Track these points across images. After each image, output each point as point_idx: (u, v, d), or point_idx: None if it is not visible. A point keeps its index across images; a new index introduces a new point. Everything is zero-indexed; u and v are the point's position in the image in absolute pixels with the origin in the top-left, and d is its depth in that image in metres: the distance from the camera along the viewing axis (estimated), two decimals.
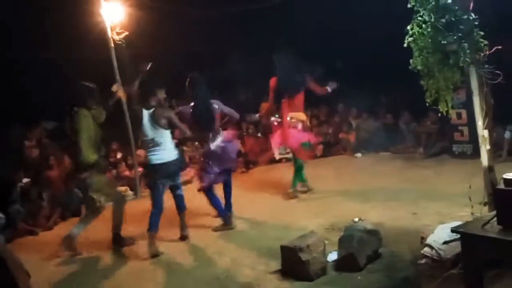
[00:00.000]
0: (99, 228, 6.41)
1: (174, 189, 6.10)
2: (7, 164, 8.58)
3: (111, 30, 9.05)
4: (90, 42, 10.13)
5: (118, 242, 6.11)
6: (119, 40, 9.12)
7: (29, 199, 7.81)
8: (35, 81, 11.55)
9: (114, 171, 9.63)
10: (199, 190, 6.50)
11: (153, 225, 5.76)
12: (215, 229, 6.29)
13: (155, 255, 5.53)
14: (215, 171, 6.30)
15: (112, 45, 9.12)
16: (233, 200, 6.70)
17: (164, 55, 11.58)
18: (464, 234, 3.45)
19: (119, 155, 10.06)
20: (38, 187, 8.16)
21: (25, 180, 8.29)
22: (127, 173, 9.46)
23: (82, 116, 5.99)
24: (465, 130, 8.57)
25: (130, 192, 9.14)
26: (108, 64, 9.28)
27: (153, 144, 5.83)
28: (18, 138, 10.20)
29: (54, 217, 7.78)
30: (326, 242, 4.60)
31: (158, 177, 5.85)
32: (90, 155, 5.94)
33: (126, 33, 9.16)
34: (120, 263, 5.52)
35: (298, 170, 7.45)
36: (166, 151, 5.86)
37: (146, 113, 5.86)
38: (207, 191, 6.39)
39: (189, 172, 9.42)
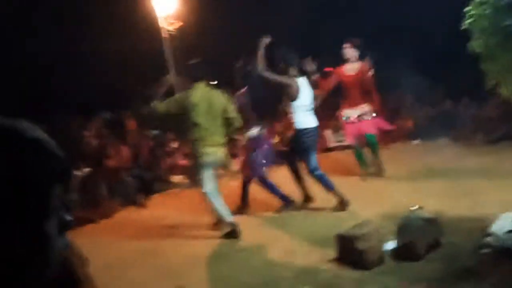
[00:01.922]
0: None
1: None
2: (67, 155, 8.85)
3: (164, 21, 9.16)
4: (144, 33, 10.30)
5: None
6: (172, 31, 9.23)
7: (89, 188, 8.03)
8: (91, 72, 11.86)
9: (170, 160, 9.79)
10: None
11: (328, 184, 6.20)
12: (278, 211, 6.41)
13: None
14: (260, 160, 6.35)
15: (165, 36, 9.22)
16: (287, 187, 6.67)
17: (218, 45, 11.66)
18: None
19: (174, 144, 10.21)
20: (98, 177, 8.38)
21: (85, 169, 8.55)
22: (182, 162, 9.58)
23: None
24: None
25: (185, 181, 9.29)
26: (161, 54, 9.42)
27: (311, 109, 6.26)
28: (78, 128, 10.51)
29: (113, 205, 7.98)
30: (383, 230, 4.52)
31: (312, 140, 6.28)
32: None
33: (180, 23, 9.25)
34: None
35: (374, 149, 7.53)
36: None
37: (303, 80, 6.20)
38: (260, 180, 6.44)
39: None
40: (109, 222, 7.52)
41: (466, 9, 4.26)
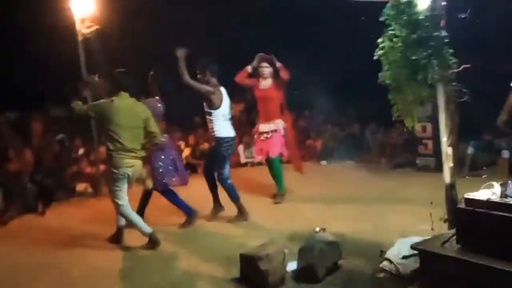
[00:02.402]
0: None
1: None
2: None
3: (80, 24, 8.87)
4: (59, 34, 9.93)
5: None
6: (88, 34, 8.95)
7: None
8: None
9: (75, 167, 9.42)
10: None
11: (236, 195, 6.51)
12: (183, 225, 6.35)
13: None
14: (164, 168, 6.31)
15: (80, 38, 8.92)
16: (196, 203, 6.63)
17: (136, 50, 11.46)
18: (423, 252, 3.46)
19: (81, 151, 9.86)
20: None
21: None
22: (88, 170, 9.26)
23: None
24: (429, 143, 8.70)
25: (89, 190, 8.99)
26: (76, 56, 9.11)
27: (229, 119, 6.49)
28: None
29: (9, 213, 7.55)
30: (286, 251, 4.55)
31: (231, 149, 6.57)
32: None
33: (96, 26, 8.99)
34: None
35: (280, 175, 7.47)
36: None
37: (224, 91, 6.43)
38: (163, 190, 6.38)
39: None
40: (4, 230, 7.09)
41: (378, 40, 4.40)
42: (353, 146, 10.24)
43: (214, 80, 6.41)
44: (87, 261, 5.34)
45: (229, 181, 6.55)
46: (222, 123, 6.44)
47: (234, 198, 6.54)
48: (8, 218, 7.44)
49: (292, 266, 4.47)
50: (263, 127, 7.42)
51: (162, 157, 6.24)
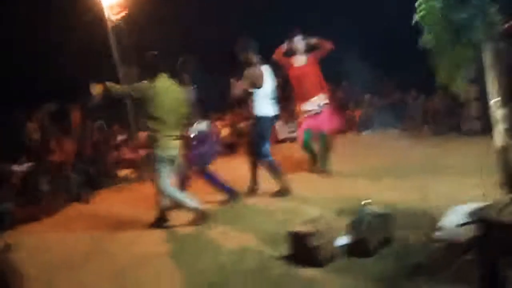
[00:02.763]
0: None
1: None
2: (9, 148, 8.50)
3: (109, 10, 8.87)
4: (90, 23, 9.97)
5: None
6: (117, 20, 8.95)
7: (31, 184, 7.71)
8: (36, 63, 11.44)
9: (116, 154, 9.52)
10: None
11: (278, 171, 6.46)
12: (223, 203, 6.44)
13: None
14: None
15: (110, 25, 8.93)
16: (238, 180, 6.71)
17: (166, 37, 11.43)
18: (479, 220, 3.32)
19: (120, 137, 9.94)
20: (40, 172, 8.05)
21: (27, 164, 8.20)
22: (128, 156, 9.33)
23: None
24: (474, 106, 8.42)
25: (132, 175, 9.07)
26: (107, 44, 9.14)
27: (272, 98, 6.45)
28: (19, 121, 10.09)
29: (57, 202, 7.68)
30: (335, 226, 4.46)
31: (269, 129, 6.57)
32: None
33: (125, 12, 8.98)
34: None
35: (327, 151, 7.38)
36: None
37: (267, 69, 6.37)
38: (203, 174, 6.48)
39: None
40: (52, 220, 7.24)
41: (417, 2, 4.21)
42: (395, 114, 10.02)
43: (255, 59, 6.34)
44: (134, 246, 5.39)
45: (270, 158, 6.51)
46: (264, 103, 6.39)
47: (277, 174, 6.51)
48: (55, 207, 7.58)
49: (342, 241, 4.38)
50: (306, 105, 7.23)
51: (204, 142, 6.27)
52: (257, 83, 6.28)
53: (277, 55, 7.22)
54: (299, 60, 7.21)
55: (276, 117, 6.81)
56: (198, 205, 5.68)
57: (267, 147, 6.56)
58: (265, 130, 6.46)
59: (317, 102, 7.17)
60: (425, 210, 4.91)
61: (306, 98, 7.21)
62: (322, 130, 7.21)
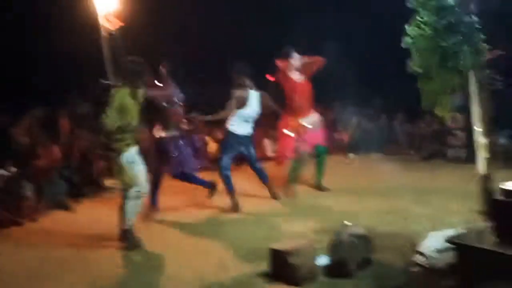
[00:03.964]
0: None
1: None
2: None
3: (104, 19, 8.89)
4: (84, 31, 9.98)
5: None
6: (112, 30, 8.97)
7: (15, 189, 7.64)
8: (25, 68, 11.41)
9: (102, 163, 9.47)
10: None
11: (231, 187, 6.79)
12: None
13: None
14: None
15: (104, 34, 8.94)
16: (223, 196, 6.81)
17: (160, 44, 11.48)
18: (459, 245, 3.35)
19: None
20: (24, 177, 8.00)
21: (12, 169, 8.14)
22: None
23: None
24: (460, 134, 8.50)
25: (118, 185, 9.01)
26: (101, 53, 9.14)
27: (250, 121, 6.83)
28: (6, 126, 10.04)
29: (39, 208, 7.62)
30: (316, 246, 4.48)
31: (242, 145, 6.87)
32: None
33: (120, 22, 9.00)
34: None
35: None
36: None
37: (254, 94, 6.75)
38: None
39: None
40: (35, 225, 7.16)
41: (407, 28, 4.27)
42: (381, 138, 10.08)
43: (247, 82, 6.78)
44: (113, 258, 5.32)
45: (226, 172, 6.85)
46: (239, 122, 6.80)
47: (229, 189, 6.83)
48: (38, 213, 7.52)
49: (322, 260, 4.39)
50: (303, 120, 7.25)
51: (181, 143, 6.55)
52: (241, 105, 6.69)
53: (282, 65, 7.25)
54: (297, 77, 7.25)
55: (247, 138, 6.97)
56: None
57: (228, 161, 6.89)
58: (229, 144, 6.85)
59: (313, 118, 7.23)
60: (405, 233, 4.95)
61: (304, 113, 7.23)
62: (319, 144, 7.26)
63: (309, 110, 7.29)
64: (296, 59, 7.22)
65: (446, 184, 6.84)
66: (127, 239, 5.54)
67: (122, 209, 5.61)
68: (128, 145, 5.49)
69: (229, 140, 6.87)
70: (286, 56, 7.23)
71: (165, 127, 6.34)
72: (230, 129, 6.83)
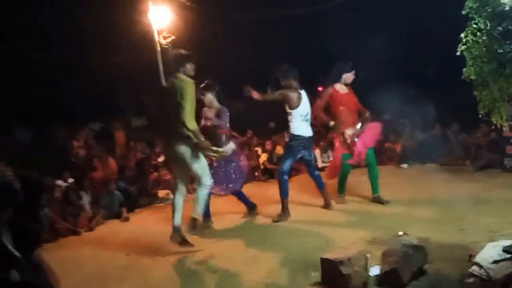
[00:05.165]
0: None
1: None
2: (54, 164, 8.78)
3: (158, 34, 9.14)
4: (138, 46, 10.27)
5: None
6: (166, 44, 9.20)
7: (72, 199, 7.92)
8: (83, 83, 11.78)
9: (155, 174, 9.68)
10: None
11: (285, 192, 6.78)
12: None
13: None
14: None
15: (159, 49, 9.19)
16: (275, 207, 6.92)
17: (211, 58, 11.67)
18: None
19: (161, 159, 10.10)
20: (82, 188, 8.28)
21: (70, 180, 8.45)
22: (168, 176, 9.49)
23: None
24: None
25: (171, 196, 9.17)
26: (155, 67, 9.38)
27: (306, 120, 6.81)
28: (65, 139, 10.42)
29: (96, 218, 7.86)
30: (369, 255, 4.43)
31: (304, 148, 6.86)
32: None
33: (173, 37, 9.23)
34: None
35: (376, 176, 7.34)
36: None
37: (304, 94, 6.80)
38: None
39: None
40: (92, 235, 7.41)
41: (461, 35, 4.22)
42: (435, 148, 9.86)
43: (295, 84, 6.74)
44: (167, 266, 5.43)
45: (285, 177, 6.82)
46: (299, 123, 6.75)
47: (283, 195, 6.79)
48: (95, 224, 7.76)
49: (375, 271, 4.35)
50: (350, 130, 7.20)
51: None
52: (295, 105, 6.70)
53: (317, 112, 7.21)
54: (342, 89, 7.20)
55: (311, 139, 7.04)
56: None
57: (289, 166, 6.92)
58: (294, 148, 6.83)
59: (357, 129, 7.16)
60: (462, 244, 4.83)
61: (350, 124, 7.17)
62: (369, 147, 7.17)
63: (356, 121, 7.20)
64: (348, 78, 7.17)
65: (503, 194, 6.62)
66: (195, 227, 5.82)
67: (197, 198, 5.86)
68: None
69: (294, 144, 6.79)
70: (342, 71, 7.17)
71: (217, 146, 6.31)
72: (294, 132, 6.77)
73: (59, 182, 8.21)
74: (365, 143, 7.11)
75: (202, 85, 6.60)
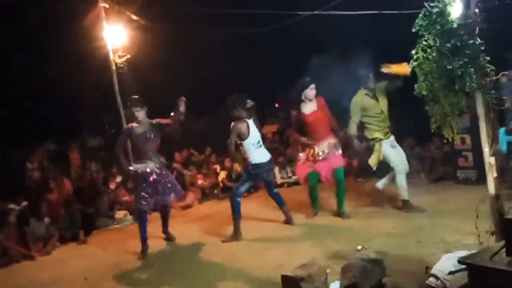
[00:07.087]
0: None
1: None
2: (7, 187, 8.55)
3: (113, 53, 9.06)
4: (93, 65, 10.14)
5: None
6: (121, 63, 9.12)
7: (26, 222, 7.70)
8: (37, 102, 11.55)
9: (111, 195, 9.53)
10: None
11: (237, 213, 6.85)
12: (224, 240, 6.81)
13: None
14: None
15: (114, 68, 9.10)
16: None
17: (167, 78, 11.63)
18: (471, 266, 3.33)
19: (118, 179, 9.96)
20: (36, 211, 8.06)
21: (24, 203, 8.21)
22: (126, 198, 9.35)
23: None
24: (470, 155, 8.47)
25: (129, 217, 9.05)
26: (110, 86, 9.27)
27: (259, 146, 6.96)
28: (18, 161, 10.16)
29: (52, 242, 7.66)
30: (328, 270, 4.46)
31: (265, 173, 7.03)
32: None
33: (128, 56, 9.16)
34: None
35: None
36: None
37: (251, 122, 6.92)
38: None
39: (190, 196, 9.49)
40: (48, 259, 7.22)
41: (412, 52, 4.33)
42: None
43: (244, 113, 6.88)
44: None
45: (238, 199, 6.92)
46: (254, 151, 6.91)
47: (236, 214, 6.87)
48: (50, 247, 7.56)
49: (335, 286, 4.37)
50: (319, 147, 7.26)
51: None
52: (245, 136, 6.84)
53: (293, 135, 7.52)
54: (310, 107, 7.26)
55: (269, 162, 7.15)
56: None
57: (245, 191, 7.23)
58: (254, 174, 6.97)
59: (328, 143, 7.24)
60: (418, 256, 4.90)
61: (318, 141, 7.23)
62: (338, 167, 7.25)
63: (325, 137, 7.27)
64: (312, 91, 7.23)
65: (458, 206, 6.77)
66: (408, 207, 7.00)
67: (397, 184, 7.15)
68: None
69: (256, 172, 6.93)
70: (302, 88, 7.25)
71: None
72: (254, 162, 6.90)
73: (12, 206, 7.97)
74: (332, 164, 7.21)
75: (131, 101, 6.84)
